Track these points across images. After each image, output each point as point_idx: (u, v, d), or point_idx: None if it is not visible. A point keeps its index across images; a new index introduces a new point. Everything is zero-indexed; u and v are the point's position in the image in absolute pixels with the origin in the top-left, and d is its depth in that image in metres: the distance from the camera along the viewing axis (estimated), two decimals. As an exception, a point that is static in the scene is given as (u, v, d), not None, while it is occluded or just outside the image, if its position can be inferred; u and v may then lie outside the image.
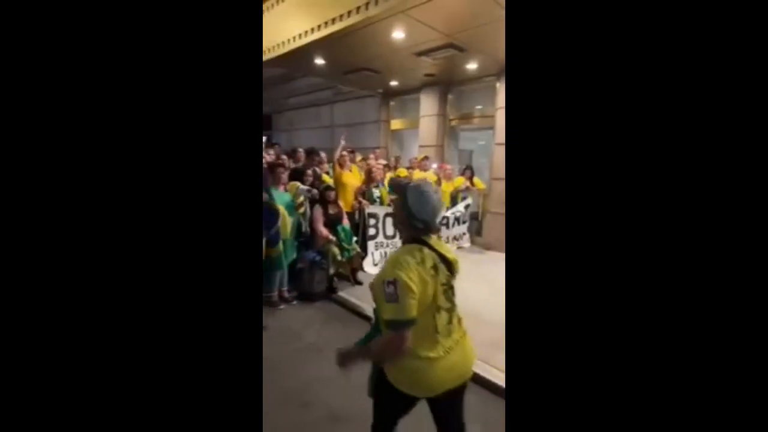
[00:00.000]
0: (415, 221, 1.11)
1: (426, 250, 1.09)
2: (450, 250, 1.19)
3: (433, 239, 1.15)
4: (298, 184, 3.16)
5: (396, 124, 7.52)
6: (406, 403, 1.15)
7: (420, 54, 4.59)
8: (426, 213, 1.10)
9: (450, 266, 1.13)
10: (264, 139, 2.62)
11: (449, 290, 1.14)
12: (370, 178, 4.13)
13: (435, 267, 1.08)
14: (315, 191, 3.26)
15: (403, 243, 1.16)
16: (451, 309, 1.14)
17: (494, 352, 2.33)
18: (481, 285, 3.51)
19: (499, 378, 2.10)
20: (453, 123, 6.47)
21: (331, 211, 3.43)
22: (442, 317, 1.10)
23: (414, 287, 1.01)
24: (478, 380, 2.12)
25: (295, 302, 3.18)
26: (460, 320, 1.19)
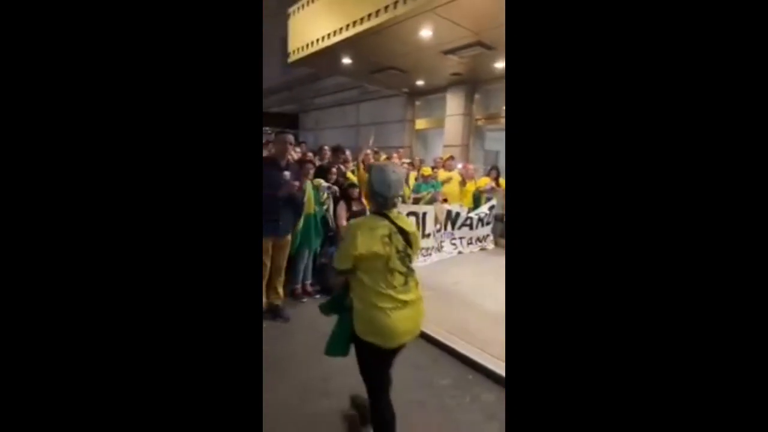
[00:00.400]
0: (377, 196, 1.34)
1: (383, 221, 1.32)
2: (410, 225, 1.41)
3: (393, 213, 1.37)
4: (322, 180, 3.23)
5: (421, 123, 7.52)
6: (379, 356, 1.35)
7: (447, 52, 4.58)
8: (383, 188, 1.32)
9: (407, 237, 1.35)
10: (291, 137, 2.71)
11: (405, 257, 1.34)
12: (393, 176, 4.16)
13: (389, 236, 1.30)
14: (336, 188, 3.32)
15: (370, 213, 1.42)
16: (407, 273, 1.35)
17: (515, 353, 2.29)
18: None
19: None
20: (479, 123, 6.40)
21: (355, 207, 3.48)
22: (397, 278, 1.31)
23: (352, 249, 1.26)
24: (497, 379, 2.10)
25: (318, 296, 3.26)
26: (417, 284, 1.40)
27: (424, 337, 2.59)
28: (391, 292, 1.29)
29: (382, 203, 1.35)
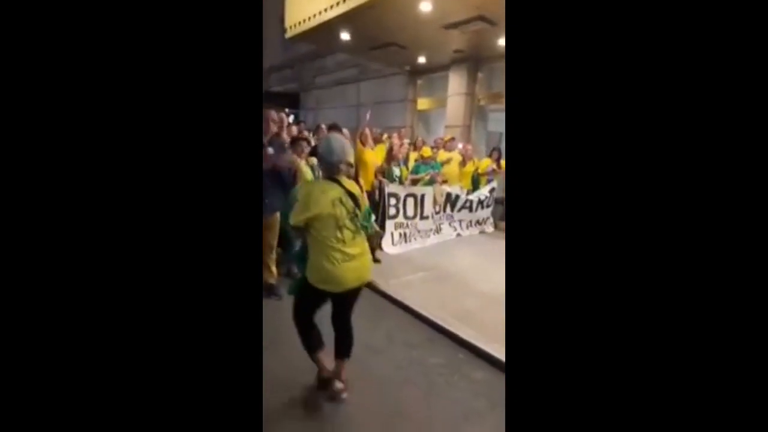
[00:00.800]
0: (324, 161, 1.58)
1: (333, 185, 1.54)
2: (356, 188, 1.63)
3: (343, 179, 1.60)
4: (314, 159, 3.17)
5: (423, 103, 7.36)
6: (320, 297, 1.62)
7: (448, 27, 4.41)
8: (327, 154, 1.55)
9: (355, 199, 1.58)
10: (291, 117, 2.64)
11: (354, 217, 1.58)
12: (390, 157, 4.08)
13: (340, 199, 1.52)
14: None
15: (321, 178, 1.65)
16: (356, 231, 1.58)
17: (507, 333, 2.29)
18: (503, 270, 3.44)
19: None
20: (482, 103, 6.24)
21: (351, 187, 3.44)
22: (347, 234, 1.55)
23: (306, 210, 1.49)
24: (488, 359, 2.10)
25: (313, 275, 3.26)
26: (364, 240, 1.65)
27: (418, 317, 2.60)
28: (340, 246, 1.53)
29: (329, 168, 1.57)
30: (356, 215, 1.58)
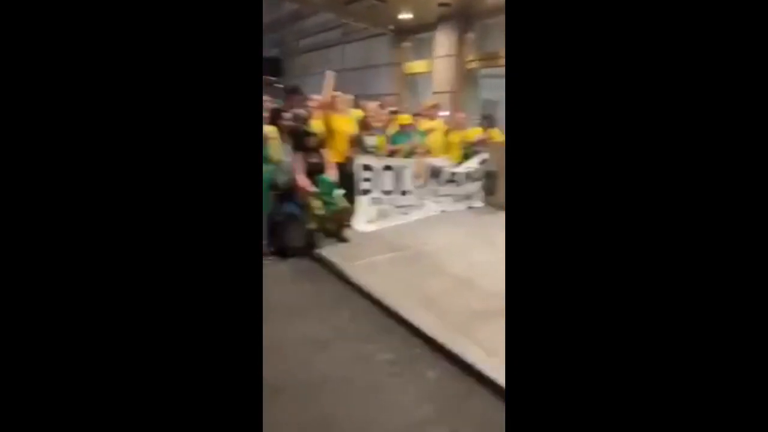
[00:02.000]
0: None
1: None
2: None
3: None
4: (271, 128, 2.80)
5: (410, 67, 6.81)
6: None
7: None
8: None
9: None
10: (283, 86, 2.32)
11: None
12: (364, 125, 3.70)
13: None
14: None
15: None
16: None
17: (474, 323, 2.03)
18: (485, 250, 3.13)
19: (467, 352, 1.80)
20: (471, 66, 5.72)
21: (313, 159, 3.09)
22: None
23: None
24: (445, 353, 1.85)
25: (271, 258, 2.97)
26: None
27: (377, 304, 2.33)
28: None
29: None
30: None
